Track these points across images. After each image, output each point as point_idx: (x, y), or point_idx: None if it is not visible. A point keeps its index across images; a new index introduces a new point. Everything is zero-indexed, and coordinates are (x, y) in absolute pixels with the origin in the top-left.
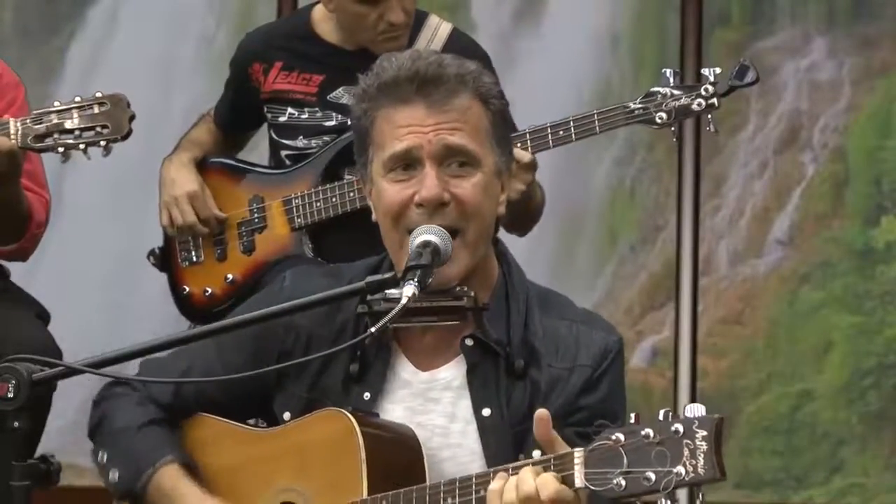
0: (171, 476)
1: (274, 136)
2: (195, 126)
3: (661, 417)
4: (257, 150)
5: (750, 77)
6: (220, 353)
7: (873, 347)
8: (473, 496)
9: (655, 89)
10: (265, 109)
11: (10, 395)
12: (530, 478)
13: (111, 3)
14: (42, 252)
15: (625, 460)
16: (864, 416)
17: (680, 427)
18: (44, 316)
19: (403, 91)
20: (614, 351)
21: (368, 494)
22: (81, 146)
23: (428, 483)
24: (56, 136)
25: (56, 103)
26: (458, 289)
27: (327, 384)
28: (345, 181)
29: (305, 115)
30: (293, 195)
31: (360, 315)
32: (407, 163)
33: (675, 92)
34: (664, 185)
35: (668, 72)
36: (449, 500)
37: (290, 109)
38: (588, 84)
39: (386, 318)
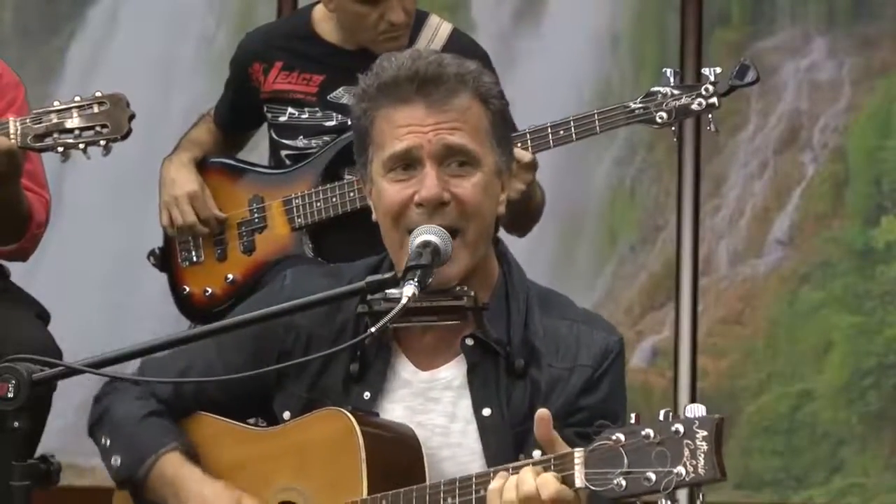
0: (173, 463)
1: (274, 135)
2: (195, 126)
3: (661, 418)
4: (257, 150)
5: (750, 77)
6: (220, 352)
7: (873, 347)
8: (473, 496)
9: (656, 89)
10: (265, 109)
11: (10, 395)
12: (531, 477)
13: (111, 3)
14: (42, 252)
15: (625, 460)
16: (864, 416)
17: (680, 427)
18: (44, 316)
19: (403, 91)
20: (615, 351)
21: (368, 494)
22: (81, 146)
23: (428, 483)
24: (56, 135)
25: (56, 103)
26: (458, 288)
27: (327, 384)
28: (345, 181)
29: (306, 115)
30: (293, 195)
31: (360, 315)
32: (407, 163)
33: (676, 91)
34: (664, 185)
35: (669, 71)
36: (449, 500)
37: (290, 109)
38: (588, 84)
39: (386, 318)
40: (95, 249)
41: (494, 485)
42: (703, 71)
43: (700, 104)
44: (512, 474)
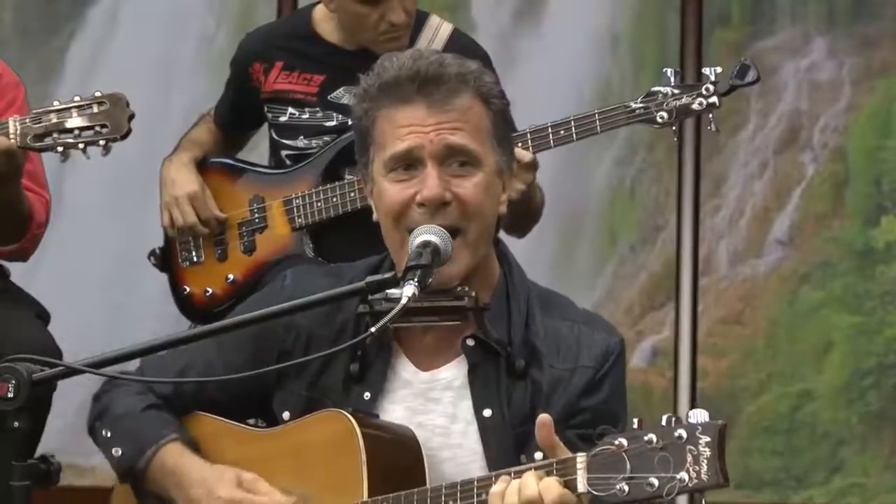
0: (173, 453)
1: (274, 135)
2: (195, 126)
3: (664, 423)
4: (257, 150)
5: (751, 76)
6: (220, 352)
7: (873, 347)
8: (475, 499)
9: (656, 89)
10: (265, 109)
11: (10, 395)
12: (533, 482)
13: (111, 3)
14: (42, 252)
15: (628, 465)
16: (864, 416)
17: (683, 433)
18: (44, 316)
19: (404, 91)
20: (616, 352)
21: (369, 496)
22: (81, 146)
23: (429, 486)
24: (55, 135)
25: (56, 103)
26: (459, 289)
27: (327, 384)
28: (345, 181)
29: (306, 115)
30: (294, 195)
31: (360, 315)
32: (408, 163)
33: (676, 91)
34: (664, 185)
35: (669, 71)
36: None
37: (290, 109)
38: (588, 84)
39: (386, 318)
40: (95, 249)
41: (496, 488)
42: (703, 71)
43: (700, 104)
44: (514, 478)
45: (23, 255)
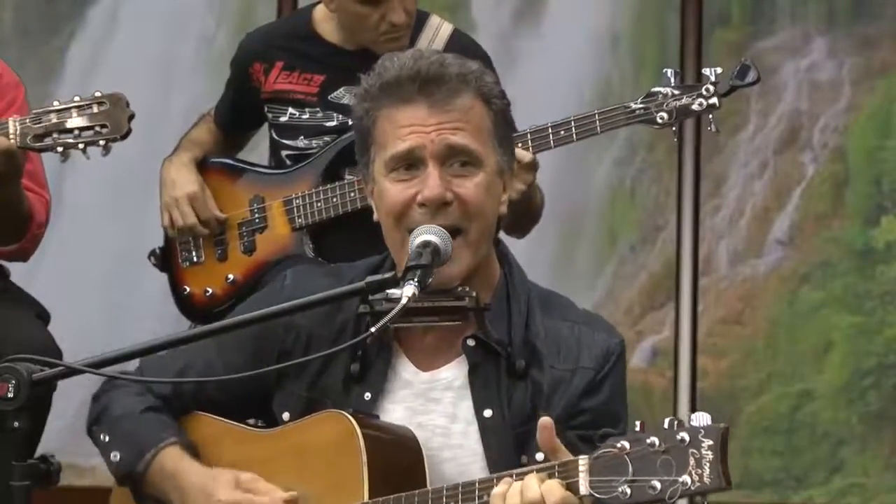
0: (173, 457)
1: (274, 136)
2: (195, 126)
3: (666, 426)
4: (258, 150)
5: (751, 77)
6: (220, 352)
7: (873, 347)
8: (477, 501)
9: (656, 89)
10: (266, 109)
11: (10, 395)
12: (535, 484)
13: (111, 3)
14: (42, 252)
15: (630, 468)
16: (864, 416)
17: (686, 436)
18: (44, 316)
19: (405, 90)
20: (616, 353)
21: (369, 497)
22: (80, 146)
23: (429, 487)
24: (55, 135)
25: (55, 103)
26: (459, 289)
27: (327, 384)
28: (345, 181)
29: (306, 116)
30: (294, 195)
31: (361, 315)
32: (409, 163)
33: (676, 92)
34: (664, 185)
35: (669, 72)
36: None
37: (290, 109)
38: (588, 84)
39: (386, 319)
40: (95, 249)
41: (498, 489)
42: (703, 71)
43: (700, 104)
44: (516, 480)
45: (23, 256)
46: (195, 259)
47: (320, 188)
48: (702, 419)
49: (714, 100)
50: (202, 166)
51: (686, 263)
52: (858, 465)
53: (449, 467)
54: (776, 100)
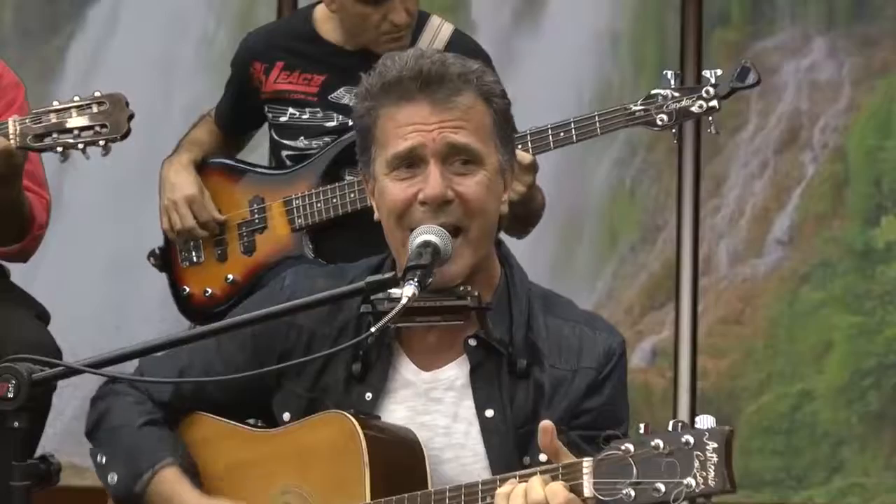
0: (169, 480)
1: (275, 136)
2: (195, 126)
3: (670, 428)
4: (258, 150)
5: (751, 79)
6: (220, 351)
7: (873, 347)
8: (480, 503)
9: (656, 91)
10: (266, 109)
11: (10, 395)
12: (539, 486)
13: (111, 3)
14: (42, 252)
15: (634, 471)
16: (864, 416)
17: (690, 438)
18: (44, 316)
19: (407, 89)
20: (617, 353)
21: (371, 498)
22: (80, 146)
23: (431, 487)
24: (55, 135)
25: (55, 103)
26: (461, 288)
27: (328, 384)
28: (345, 182)
29: (306, 116)
30: (294, 196)
31: (363, 314)
32: (410, 161)
33: (676, 94)
34: (664, 185)
35: (669, 73)
36: None
37: (290, 109)
38: (588, 84)
39: (386, 319)
40: (95, 249)
41: (503, 489)
42: (703, 73)
43: (700, 107)
44: (520, 482)
45: (24, 256)
46: (195, 259)
47: (320, 189)
48: (706, 422)
49: (714, 102)
50: (202, 167)
51: (686, 263)
52: (858, 465)
53: (450, 467)
54: (776, 100)
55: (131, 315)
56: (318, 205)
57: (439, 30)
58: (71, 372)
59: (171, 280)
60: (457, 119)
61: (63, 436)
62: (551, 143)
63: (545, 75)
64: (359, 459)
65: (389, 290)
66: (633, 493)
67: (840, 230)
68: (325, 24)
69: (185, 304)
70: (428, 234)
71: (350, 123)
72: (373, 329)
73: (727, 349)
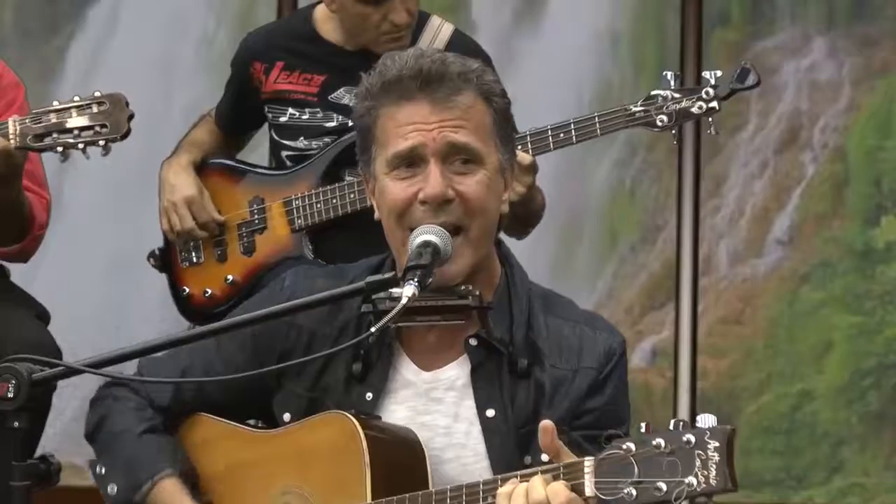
0: (168, 491)
1: (275, 136)
2: (195, 126)
3: (672, 427)
4: (258, 150)
5: (751, 80)
6: (220, 351)
7: (873, 347)
8: (481, 503)
9: (656, 92)
10: (266, 109)
11: (10, 395)
12: (540, 486)
13: (111, 3)
14: (42, 252)
15: (636, 470)
16: (864, 416)
17: (692, 437)
18: (44, 316)
19: (407, 89)
20: (618, 353)
21: (372, 498)
22: (80, 146)
23: (432, 487)
24: (55, 135)
25: (55, 103)
26: (462, 287)
27: (329, 384)
28: (345, 182)
29: (306, 116)
30: (293, 196)
31: (363, 314)
32: (411, 161)
33: (676, 95)
34: (664, 185)
35: (669, 74)
36: None
37: (290, 110)
38: (588, 84)
39: (386, 318)
40: (95, 249)
41: (504, 489)
42: (703, 74)
43: (700, 108)
44: (521, 481)
45: (24, 257)
46: (195, 260)
47: (320, 189)
48: (707, 420)
49: (714, 103)
50: (202, 167)
51: (686, 263)
52: (858, 465)
53: (451, 467)
54: (776, 100)
55: (131, 315)
56: (318, 205)
57: (439, 30)
58: (71, 372)
59: (171, 281)
60: (457, 118)
61: (63, 436)
62: (551, 144)
63: (545, 75)
64: (360, 460)
65: (391, 290)
66: (634, 492)
67: (840, 230)
68: (326, 24)
69: (185, 305)
70: (428, 233)
71: (350, 124)
72: (373, 329)
73: (727, 349)
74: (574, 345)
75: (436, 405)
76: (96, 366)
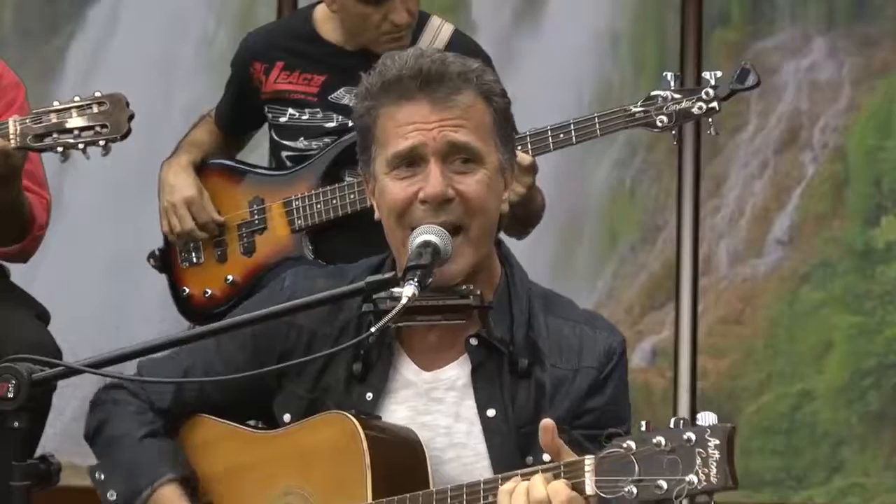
0: (168, 497)
1: (275, 136)
2: (195, 127)
3: (672, 425)
4: (258, 150)
5: (751, 81)
6: (220, 351)
7: (873, 347)
8: (482, 502)
9: (656, 93)
10: (266, 110)
11: (10, 395)
12: (541, 484)
13: (111, 3)
14: (42, 252)
15: (636, 468)
16: (864, 416)
17: (692, 435)
18: (44, 316)
19: (407, 88)
20: (618, 352)
21: (372, 498)
22: (80, 146)
23: (433, 487)
24: (55, 135)
25: (55, 103)
26: (463, 287)
27: (329, 384)
28: (345, 183)
29: (306, 116)
30: (293, 197)
31: (364, 314)
32: (411, 160)
33: (676, 95)
34: (664, 185)
35: (669, 75)
36: None
37: (290, 110)
38: (588, 84)
39: (386, 318)
40: (95, 249)
41: (505, 487)
42: (703, 75)
43: (700, 108)
44: (522, 480)
45: (24, 257)
46: (194, 260)
47: (320, 190)
48: (708, 419)
49: (714, 104)
50: (202, 168)
51: (686, 263)
52: (858, 465)
53: (452, 467)
54: (776, 100)
55: (131, 315)
56: (318, 206)
57: (439, 30)
58: (71, 372)
59: (171, 281)
60: (457, 118)
61: (63, 436)
62: (551, 145)
63: (545, 75)
64: (360, 460)
65: (392, 290)
66: (635, 490)
67: (840, 230)
68: (326, 24)
69: (185, 305)
70: (428, 233)
71: (350, 124)
72: (373, 329)
73: (727, 349)
74: (574, 344)
75: (436, 405)
76: (96, 366)
